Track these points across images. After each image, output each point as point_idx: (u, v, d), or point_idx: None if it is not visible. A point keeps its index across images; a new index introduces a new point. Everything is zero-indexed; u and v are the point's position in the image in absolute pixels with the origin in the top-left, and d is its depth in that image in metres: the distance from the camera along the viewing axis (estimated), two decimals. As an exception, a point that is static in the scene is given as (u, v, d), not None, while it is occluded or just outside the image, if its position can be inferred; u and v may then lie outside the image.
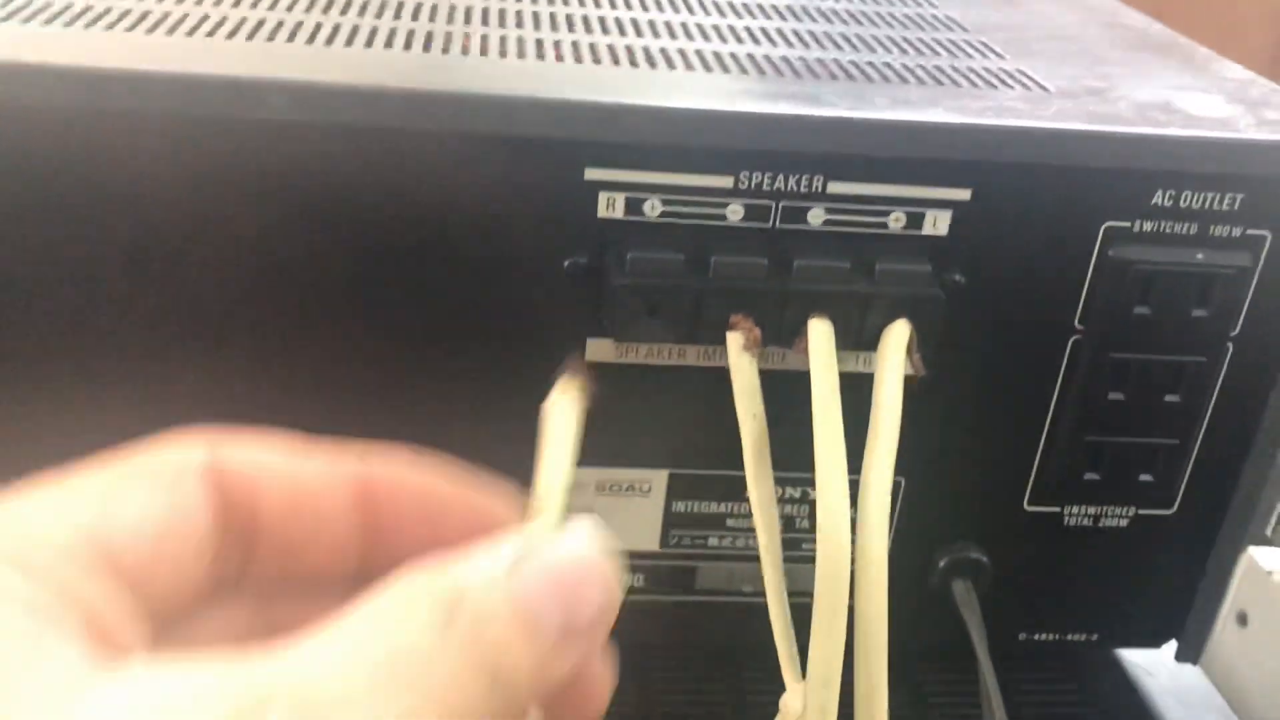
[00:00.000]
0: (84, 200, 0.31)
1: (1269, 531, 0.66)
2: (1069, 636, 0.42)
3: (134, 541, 0.20)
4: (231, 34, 0.34)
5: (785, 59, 0.37)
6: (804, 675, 0.31)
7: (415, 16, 0.38)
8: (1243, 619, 0.72)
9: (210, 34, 0.34)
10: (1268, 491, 0.41)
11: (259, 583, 0.23)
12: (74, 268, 0.32)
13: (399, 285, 0.34)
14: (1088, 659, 0.44)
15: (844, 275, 0.34)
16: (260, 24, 0.35)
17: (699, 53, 0.37)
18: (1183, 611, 0.42)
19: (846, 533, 0.31)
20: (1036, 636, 0.42)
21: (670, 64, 0.36)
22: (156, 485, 0.21)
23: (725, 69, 0.36)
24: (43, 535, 0.19)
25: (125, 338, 0.33)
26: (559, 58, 0.35)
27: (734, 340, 0.33)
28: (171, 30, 0.34)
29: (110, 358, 0.34)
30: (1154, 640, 0.43)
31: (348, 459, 0.23)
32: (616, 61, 0.36)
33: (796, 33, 0.41)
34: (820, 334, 0.33)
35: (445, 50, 0.35)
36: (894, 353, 0.33)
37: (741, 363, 0.33)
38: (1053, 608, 0.42)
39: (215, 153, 0.31)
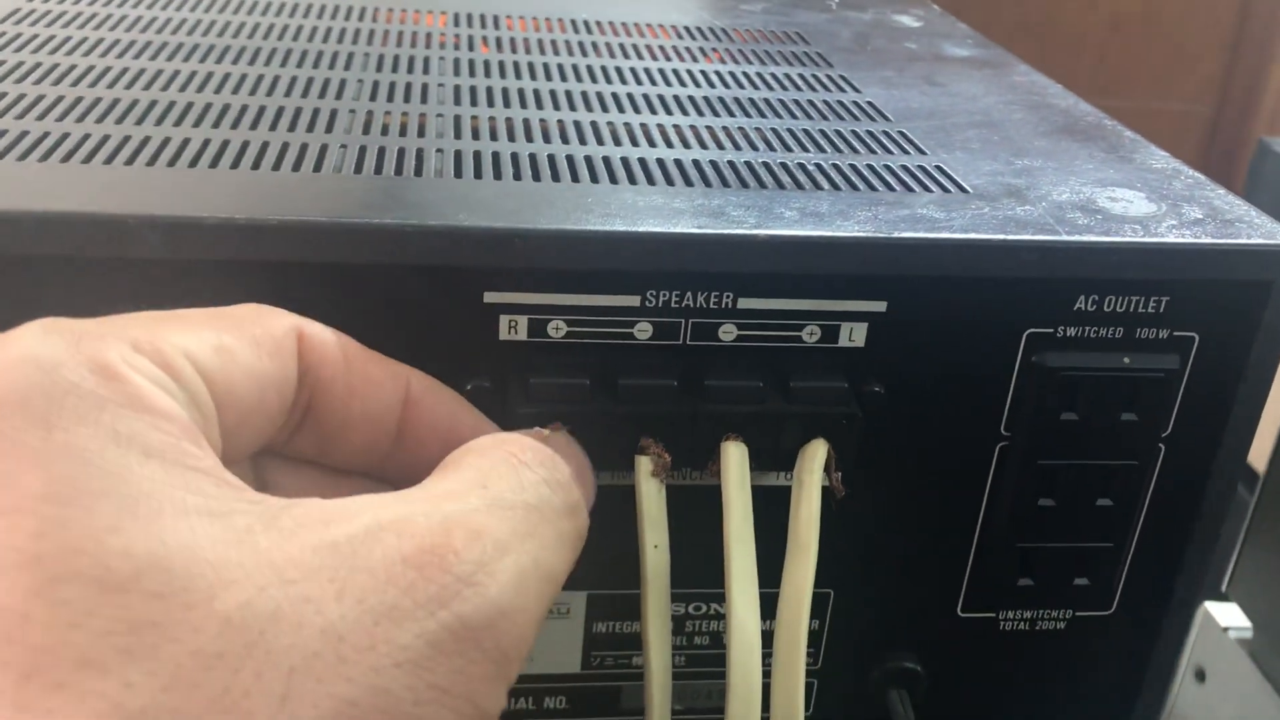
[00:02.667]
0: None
1: (1224, 588, 0.66)
2: (1011, 739, 0.41)
3: (240, 396, 0.24)
4: (109, 158, 0.32)
5: (696, 162, 0.36)
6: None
7: (309, 127, 0.36)
8: (1200, 675, 0.72)
9: (87, 160, 0.32)
10: (1221, 547, 0.40)
11: (297, 449, 0.27)
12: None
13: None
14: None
15: (757, 394, 0.32)
16: (143, 144, 0.34)
17: (606, 160, 0.36)
18: (1127, 708, 0.41)
19: (758, 663, 0.30)
20: (977, 741, 0.41)
21: (575, 175, 0.35)
22: (262, 349, 0.24)
23: (632, 179, 0.35)
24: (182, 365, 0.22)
25: None
26: (457, 173, 0.34)
27: (642, 465, 0.32)
28: (45, 156, 0.32)
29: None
30: (1098, 740, 0.42)
31: (404, 369, 0.28)
32: (518, 175, 0.34)
33: (710, 129, 0.39)
34: (733, 457, 0.32)
35: (338, 170, 0.34)
36: (811, 474, 0.32)
37: (649, 489, 0.32)
38: (991, 711, 0.40)
39: (90, 292, 0.30)
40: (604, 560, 0.36)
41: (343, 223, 0.30)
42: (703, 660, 0.37)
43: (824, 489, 0.32)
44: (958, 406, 0.35)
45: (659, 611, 0.32)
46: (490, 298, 0.32)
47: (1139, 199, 0.36)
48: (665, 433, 0.32)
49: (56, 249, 0.29)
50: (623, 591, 0.36)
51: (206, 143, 0.34)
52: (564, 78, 0.44)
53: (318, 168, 0.34)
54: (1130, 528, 0.37)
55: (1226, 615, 0.67)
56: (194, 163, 0.33)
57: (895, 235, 0.32)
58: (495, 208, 0.32)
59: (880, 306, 0.33)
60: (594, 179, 0.35)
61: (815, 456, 0.32)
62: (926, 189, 0.36)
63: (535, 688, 0.37)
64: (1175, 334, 0.34)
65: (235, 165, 0.33)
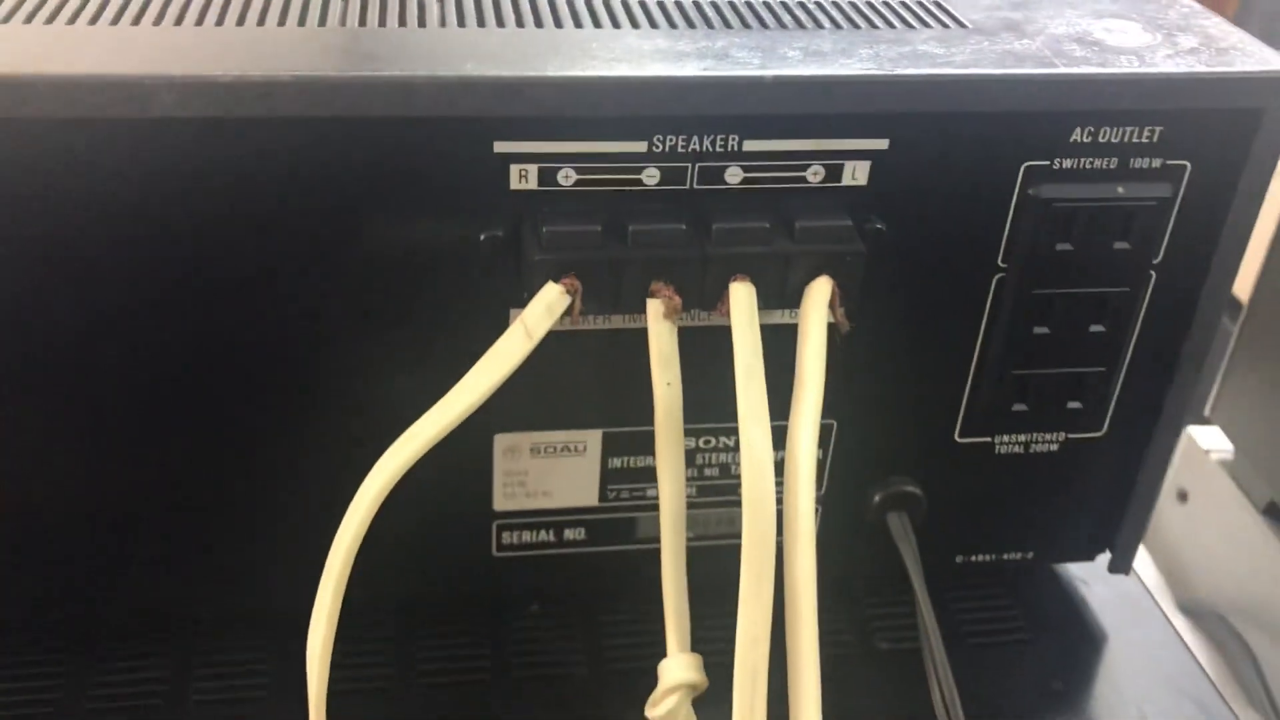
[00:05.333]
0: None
1: (1207, 412, 0.68)
2: (1005, 556, 0.43)
3: None
4: (115, 19, 0.33)
5: (697, 3, 0.36)
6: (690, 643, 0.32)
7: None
8: (1183, 496, 0.75)
9: (93, 21, 0.32)
10: (1205, 374, 0.41)
11: None
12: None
13: (319, 272, 0.33)
14: (1024, 575, 0.45)
15: (764, 235, 0.33)
16: (146, 4, 0.34)
17: (607, 3, 0.36)
18: (1114, 526, 0.43)
19: (773, 494, 0.31)
20: (973, 558, 0.43)
21: (577, 21, 0.35)
22: None
23: (634, 23, 0.35)
24: None
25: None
26: (460, 22, 0.34)
27: (654, 308, 0.33)
28: (52, 19, 0.32)
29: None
30: (1087, 554, 0.44)
31: None
32: (520, 22, 0.34)
33: (709, -31, 0.39)
34: (741, 297, 0.33)
35: (342, 23, 0.34)
36: (817, 311, 0.33)
37: (660, 330, 0.33)
38: (988, 531, 0.42)
39: (109, 153, 0.30)
40: (618, 400, 0.37)
41: (354, 76, 0.31)
42: (712, 490, 0.39)
43: (829, 325, 0.33)
44: (956, 240, 0.36)
45: (671, 445, 0.33)
46: (500, 147, 0.32)
47: (1134, 29, 0.36)
48: (675, 275, 0.33)
49: (73, 112, 0.30)
50: (636, 429, 0.38)
51: (208, 4, 0.34)
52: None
53: (322, 21, 0.34)
54: (1122, 352, 0.38)
55: (1208, 439, 0.70)
56: (200, 20, 0.33)
57: (897, 73, 0.33)
58: (501, 57, 0.32)
59: (882, 144, 0.34)
60: (596, 24, 0.35)
61: (820, 294, 0.33)
62: (925, 24, 0.36)
63: (555, 520, 0.39)
64: (1168, 163, 0.35)
65: (241, 22, 0.33)
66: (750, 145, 0.33)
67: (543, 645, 0.41)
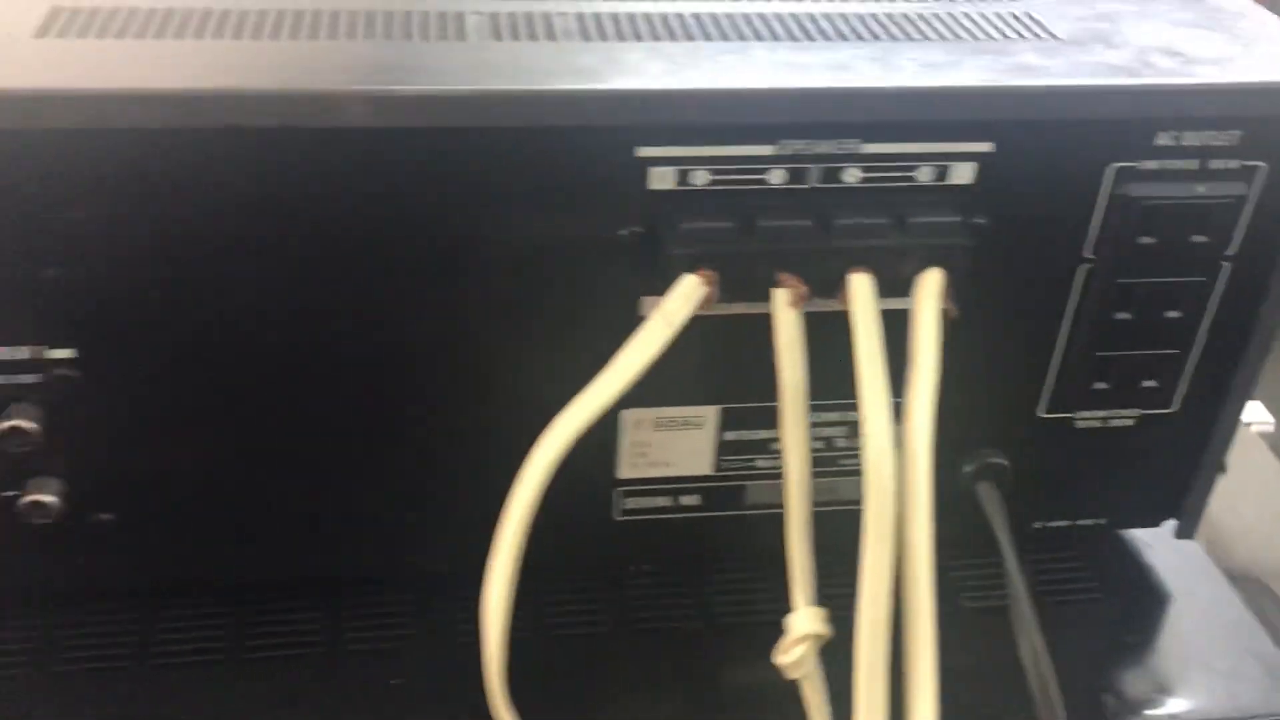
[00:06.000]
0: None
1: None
2: (1079, 522, 0.47)
3: None
4: (274, 33, 0.36)
5: (814, 17, 0.40)
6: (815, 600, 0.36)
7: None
8: (1222, 467, 0.78)
9: (236, 36, 0.36)
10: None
11: None
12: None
13: (471, 267, 0.37)
14: (1094, 539, 0.49)
15: (880, 230, 0.37)
16: (317, 17, 0.37)
17: (729, 17, 0.39)
18: (1180, 494, 0.46)
19: (892, 465, 0.35)
20: (1050, 524, 0.47)
21: (706, 34, 0.38)
22: None
23: (758, 36, 0.38)
24: None
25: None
26: (601, 37, 0.38)
27: (780, 296, 0.37)
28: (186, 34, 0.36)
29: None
30: (1155, 520, 0.48)
31: None
32: (657, 36, 0.38)
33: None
34: (862, 287, 0.36)
35: (497, 38, 0.37)
36: (929, 299, 0.37)
37: (786, 317, 0.37)
38: (1065, 498, 0.46)
39: (295, 161, 0.34)
40: (735, 378, 0.41)
41: (512, 91, 0.34)
42: (826, 461, 0.43)
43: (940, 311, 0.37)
44: (1049, 234, 0.39)
45: (797, 421, 0.37)
46: (641, 152, 0.36)
47: (1214, 40, 0.39)
48: (799, 266, 0.37)
49: (271, 121, 0.33)
50: (751, 405, 0.41)
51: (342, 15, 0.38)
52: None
53: (461, 35, 0.37)
54: (1195, 336, 0.42)
55: (1250, 411, 0.73)
56: (354, 34, 0.37)
57: (1004, 83, 0.36)
58: (644, 70, 0.36)
59: (988, 147, 0.37)
60: (725, 37, 0.38)
61: (932, 283, 0.37)
62: (1022, 37, 0.39)
63: (672, 488, 0.43)
64: (1245, 164, 0.38)
65: (407, 38, 0.37)
66: (868, 148, 0.37)
67: (657, 602, 0.45)
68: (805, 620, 0.36)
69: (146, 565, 0.42)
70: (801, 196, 0.37)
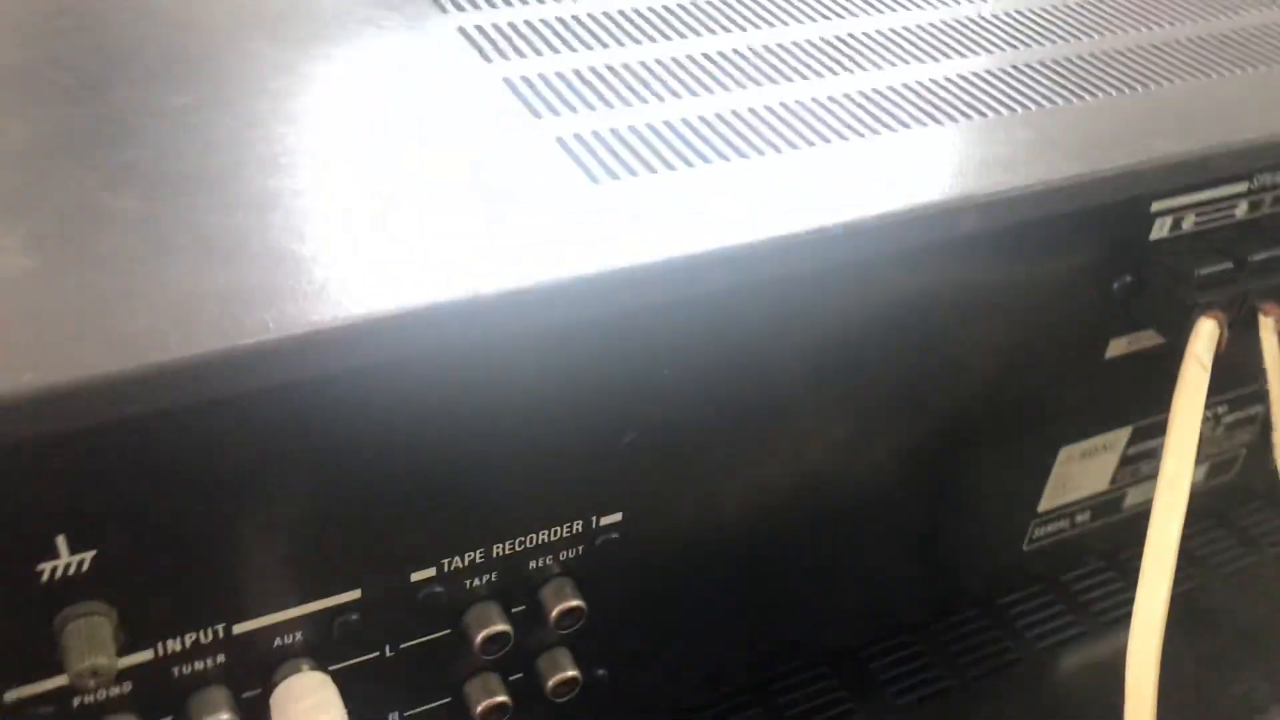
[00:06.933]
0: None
1: None
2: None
3: None
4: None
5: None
6: None
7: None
8: None
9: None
10: None
11: None
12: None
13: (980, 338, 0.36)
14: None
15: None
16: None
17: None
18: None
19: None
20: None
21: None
22: None
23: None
24: None
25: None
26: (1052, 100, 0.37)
27: (1267, 325, 0.39)
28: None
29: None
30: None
31: None
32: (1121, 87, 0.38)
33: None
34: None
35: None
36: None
37: (1272, 342, 0.39)
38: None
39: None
40: (1144, 398, 0.43)
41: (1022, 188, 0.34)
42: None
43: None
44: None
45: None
46: (1157, 206, 0.36)
47: None
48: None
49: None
50: (1158, 418, 0.43)
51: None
52: None
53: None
54: None
55: None
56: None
57: None
58: (1138, 131, 0.36)
59: None
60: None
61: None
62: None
63: (1074, 509, 0.44)
64: None
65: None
66: (1337, 178, 0.39)
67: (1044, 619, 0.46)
68: None
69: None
70: (1265, 226, 0.39)
